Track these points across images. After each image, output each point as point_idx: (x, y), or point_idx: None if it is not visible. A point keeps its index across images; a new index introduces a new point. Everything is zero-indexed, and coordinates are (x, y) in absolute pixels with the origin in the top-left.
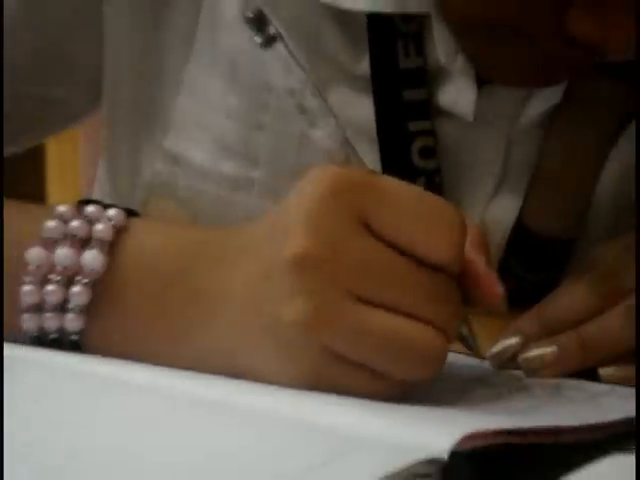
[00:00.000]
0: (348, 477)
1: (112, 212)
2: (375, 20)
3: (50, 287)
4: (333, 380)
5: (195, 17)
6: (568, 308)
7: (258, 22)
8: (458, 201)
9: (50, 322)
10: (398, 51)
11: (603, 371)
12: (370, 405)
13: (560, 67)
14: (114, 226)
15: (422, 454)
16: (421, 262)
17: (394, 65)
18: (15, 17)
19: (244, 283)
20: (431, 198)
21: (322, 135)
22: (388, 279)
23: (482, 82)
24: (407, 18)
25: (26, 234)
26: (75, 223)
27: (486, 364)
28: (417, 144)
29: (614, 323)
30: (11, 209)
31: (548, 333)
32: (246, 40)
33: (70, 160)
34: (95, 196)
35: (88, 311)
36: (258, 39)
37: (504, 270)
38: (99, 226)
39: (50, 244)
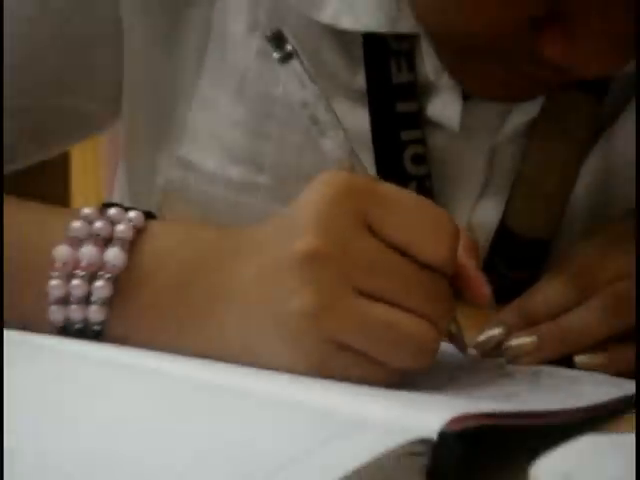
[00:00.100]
0: (347, 456)
1: (132, 214)
2: (370, 39)
3: (75, 282)
4: (336, 367)
5: (206, 36)
6: (547, 301)
7: (277, 40)
8: (446, 204)
9: (75, 313)
10: (391, 67)
11: (578, 359)
12: (367, 390)
13: (535, 84)
14: (134, 226)
15: (414, 435)
16: (418, 262)
17: (387, 80)
18: (41, 34)
19: (255, 277)
20: (429, 205)
21: (332, 144)
22: (389, 276)
23: (467, 96)
24: (399, 37)
25: (54, 233)
26: (99, 224)
27: (472, 352)
28: (409, 152)
29: (589, 315)
30: (40, 211)
31: (528, 324)
32: (253, 57)
33: (92, 166)
34: (115, 199)
35: (110, 304)
36: (276, 55)
37: (488, 268)
38: (120, 226)
39: (76, 242)
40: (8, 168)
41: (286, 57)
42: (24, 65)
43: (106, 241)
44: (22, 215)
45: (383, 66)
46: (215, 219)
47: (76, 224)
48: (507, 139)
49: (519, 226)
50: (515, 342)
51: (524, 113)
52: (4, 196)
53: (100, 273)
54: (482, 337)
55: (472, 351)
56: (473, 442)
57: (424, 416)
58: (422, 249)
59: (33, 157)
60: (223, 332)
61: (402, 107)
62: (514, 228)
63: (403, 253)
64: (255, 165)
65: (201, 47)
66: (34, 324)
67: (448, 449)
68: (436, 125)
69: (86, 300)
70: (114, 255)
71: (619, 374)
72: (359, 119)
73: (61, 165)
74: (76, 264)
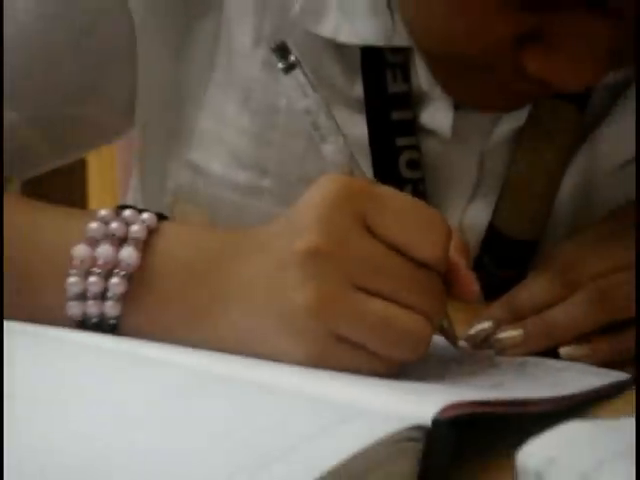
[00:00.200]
0: (346, 442)
1: (145, 215)
2: (367, 52)
3: (92, 278)
4: (336, 359)
5: (214, 48)
6: (533, 297)
7: (281, 51)
8: (439, 206)
9: (92, 308)
10: (387, 78)
11: (563, 350)
12: (365, 380)
13: (520, 96)
14: (147, 227)
15: (410, 422)
16: (413, 260)
17: (384, 90)
18: (62, 46)
19: (260, 274)
20: (423, 207)
21: (332, 149)
22: (385, 273)
23: (459, 105)
24: (394, 50)
25: (72, 234)
26: (114, 224)
27: (463, 344)
28: (404, 157)
29: (573, 309)
30: (59, 213)
31: (516, 318)
32: (258, 68)
33: (108, 170)
34: (129, 201)
35: (124, 299)
36: (281, 65)
37: (478, 266)
38: (134, 227)
39: (93, 242)
40: (29, 173)
41: (290, 67)
42: (44, 78)
43: (121, 241)
44: (43, 217)
45: (379, 77)
46: (222, 220)
47: (93, 225)
48: (496, 145)
49: (507, 227)
50: (503, 335)
51: (512, 121)
52: (26, 199)
53: (115, 271)
54: (473, 331)
55: (463, 343)
56: (464, 428)
57: (419, 404)
58: (417, 248)
59: (53, 163)
60: (230, 325)
61: (397, 115)
62: (502, 229)
63: (399, 252)
64: (260, 170)
65: (209, 59)
66: (54, 319)
67: (441, 435)
68: (429, 132)
69: (102, 296)
70: (128, 254)
71: (601, 364)
72: (357, 126)
73: (79, 169)
74: (93, 262)
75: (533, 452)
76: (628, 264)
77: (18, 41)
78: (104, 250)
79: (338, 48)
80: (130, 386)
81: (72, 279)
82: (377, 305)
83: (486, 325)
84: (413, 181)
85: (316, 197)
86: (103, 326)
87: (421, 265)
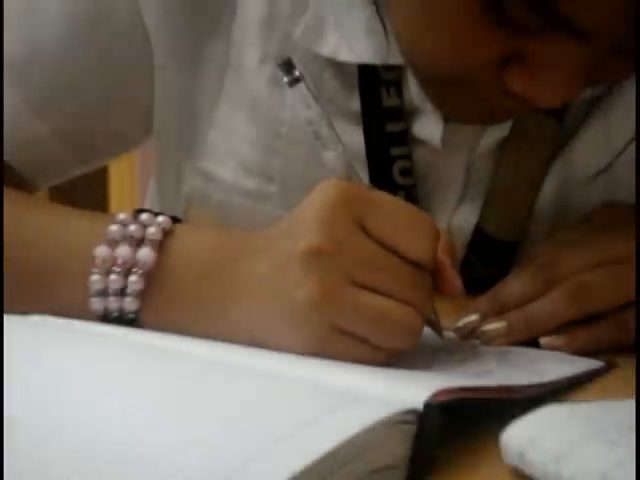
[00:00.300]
0: (346, 424)
1: (161, 218)
2: (364, 69)
3: (113, 276)
4: (335, 348)
5: (224, 65)
6: (515, 292)
7: (287, 66)
8: (429, 210)
9: (113, 304)
10: (382, 93)
11: (543, 340)
12: (362, 369)
13: (503, 111)
14: (163, 229)
15: (404, 406)
16: (405, 259)
17: (379, 104)
18: (86, 65)
19: (266, 271)
20: (414, 210)
21: (332, 157)
22: (380, 270)
23: (448, 118)
24: (388, 68)
25: (94, 236)
26: (132, 227)
27: (450, 335)
28: (398, 165)
29: (552, 303)
30: (82, 216)
31: (500, 311)
32: (264, 84)
33: (128, 177)
34: (147, 205)
35: (142, 295)
36: (286, 79)
37: (466, 265)
38: (151, 229)
39: (113, 243)
40: (55, 180)
41: (294, 81)
42: (70, 93)
43: (139, 242)
44: (67, 220)
45: (375, 92)
46: (232, 223)
47: (113, 227)
48: (482, 154)
49: (492, 229)
50: (488, 327)
51: (496, 132)
52: (52, 203)
53: (134, 269)
54: (460, 323)
55: (449, 334)
56: (453, 412)
57: (412, 390)
58: (408, 247)
59: (77, 171)
60: (238, 318)
61: (391, 127)
62: (488, 231)
63: (392, 251)
64: (266, 176)
65: (220, 75)
66: (78, 313)
67: (432, 418)
68: (421, 142)
69: (122, 292)
70: (146, 254)
71: (578, 353)
72: (355, 137)
73: (101, 176)
74: (113, 262)
75: (516, 433)
76: (602, 261)
77: (47, 59)
78: (123, 250)
79: (337, 66)
80: (145, 374)
81: (94, 277)
82: (373, 299)
83: (473, 318)
84: (406, 187)
85: (317, 201)
86: (123, 320)
87: (412, 263)
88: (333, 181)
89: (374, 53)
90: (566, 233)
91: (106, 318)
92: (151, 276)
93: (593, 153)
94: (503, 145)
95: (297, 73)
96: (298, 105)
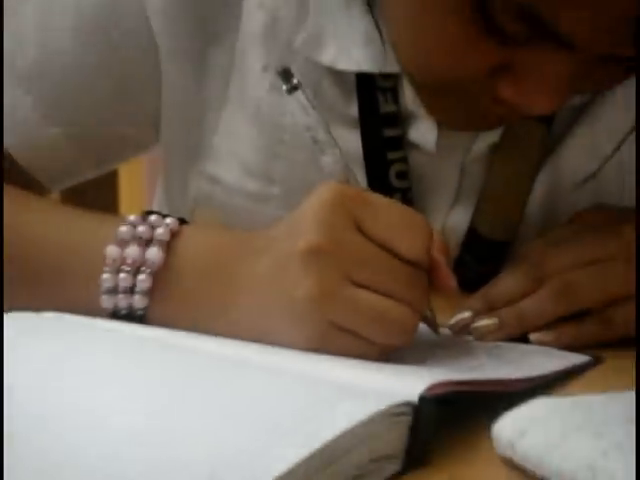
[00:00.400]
0: (346, 415)
1: (169, 220)
2: (362, 77)
3: (122, 275)
4: (334, 344)
5: (228, 73)
6: (506, 290)
7: (285, 75)
8: (424, 212)
9: (122, 301)
10: (379, 100)
11: (533, 336)
12: (361, 364)
13: (493, 118)
14: (170, 230)
15: (400, 398)
16: (401, 258)
17: (376, 110)
18: (97, 73)
19: (267, 270)
20: (409, 212)
21: (330, 161)
22: (376, 269)
23: (441, 123)
24: (385, 76)
25: (105, 236)
26: (141, 228)
27: (445, 331)
28: (394, 169)
29: (541, 300)
30: (93, 218)
31: (492, 309)
32: (266, 91)
33: (137, 180)
34: (155, 207)
35: (150, 293)
36: (285, 87)
37: (460, 264)
38: (159, 230)
39: (123, 243)
40: (67, 183)
41: (292, 89)
42: (81, 100)
43: (147, 242)
44: (79, 221)
45: (372, 99)
46: (235, 223)
47: (123, 228)
48: (474, 158)
49: (484, 230)
50: (481, 323)
51: (488, 137)
52: (64, 206)
53: (142, 268)
54: (454, 320)
55: (444, 330)
56: (447, 404)
57: (408, 384)
58: (404, 247)
59: (88, 174)
60: (241, 315)
61: (388, 132)
62: (480, 231)
63: (388, 251)
64: (268, 179)
65: (224, 83)
66: (89, 310)
67: (427, 410)
68: (416, 147)
69: (131, 290)
70: (154, 254)
71: (566, 348)
72: (353, 142)
73: (111, 179)
74: (123, 261)
75: (507, 425)
76: (589, 260)
77: (57, 66)
78: (132, 250)
79: (336, 74)
80: (151, 369)
81: (105, 275)
82: (369, 297)
83: (466, 315)
84: (402, 190)
85: (315, 203)
86: (132, 317)
87: (407, 262)
88: (331, 183)
89: (372, 61)
90: (555, 233)
91: (116, 315)
92: (159, 275)
93: (580, 159)
94: (494, 150)
95: (295, 81)
96: (297, 111)
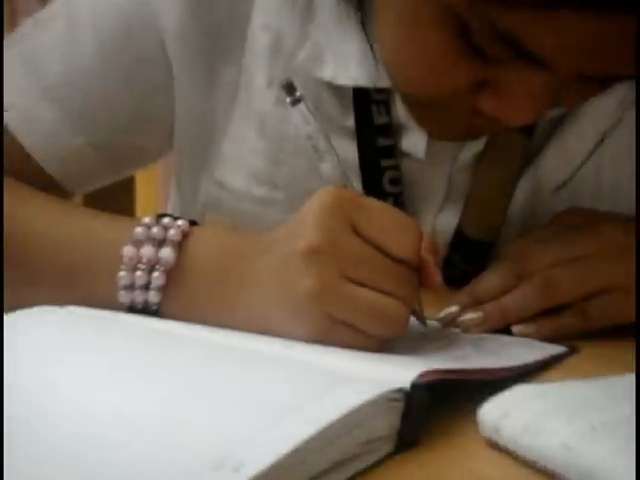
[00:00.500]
0: (343, 401)
1: (180, 222)
2: (358, 91)
3: (138, 273)
4: (332, 336)
5: (235, 89)
6: (490, 286)
7: (289, 88)
8: (415, 215)
9: (138, 297)
10: (373, 112)
11: (515, 328)
12: (356, 354)
13: (476, 129)
14: (182, 231)
15: (393, 385)
16: (392, 257)
17: (370, 121)
18: (116, 87)
19: (271, 269)
20: (400, 214)
21: (328, 168)
22: (370, 267)
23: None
24: (379, 90)
25: (122, 237)
26: (155, 229)
27: (433, 324)
28: (387, 175)
29: (523, 295)
30: (111, 220)
31: (477, 303)
32: (271, 104)
33: (152, 184)
34: (168, 210)
35: (164, 290)
36: (288, 99)
37: (448, 262)
38: (172, 231)
39: (138, 243)
40: (89, 188)
41: (295, 101)
42: (103, 111)
43: (161, 242)
44: (98, 223)
45: (367, 111)
46: (242, 225)
47: (138, 230)
48: (461, 166)
49: (471, 231)
50: (467, 317)
51: (474, 147)
52: (84, 208)
53: (156, 267)
54: (442, 313)
55: (432, 323)
56: (436, 391)
57: (400, 372)
58: (395, 247)
59: (108, 180)
60: (247, 310)
61: (382, 142)
62: (467, 233)
63: (381, 250)
64: (272, 185)
65: (232, 95)
66: (108, 304)
67: (418, 396)
68: (407, 155)
69: (146, 287)
70: (167, 253)
71: (546, 339)
72: (350, 150)
73: (128, 184)
74: (139, 260)
75: (491, 410)
76: (568, 258)
77: (81, 80)
78: (147, 250)
79: (335, 88)
80: (165, 357)
81: (122, 273)
82: (364, 293)
83: (453, 309)
84: (394, 194)
85: (315, 206)
86: (147, 311)
87: (399, 261)
88: (329, 188)
89: (366, 77)
90: (536, 233)
91: (132, 309)
92: (171, 273)
93: (556, 168)
94: (479, 159)
95: (298, 94)
96: (300, 122)
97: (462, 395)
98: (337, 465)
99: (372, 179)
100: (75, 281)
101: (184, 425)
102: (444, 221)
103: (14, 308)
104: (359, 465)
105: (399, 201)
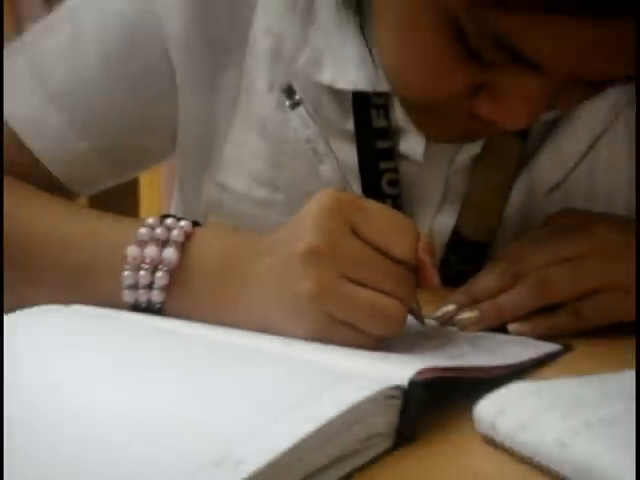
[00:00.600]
0: (342, 398)
1: (183, 223)
2: (357, 95)
3: (142, 272)
4: (332, 335)
5: (237, 93)
6: (486, 286)
7: (289, 91)
8: (413, 216)
9: (142, 296)
10: (372, 115)
11: (511, 327)
12: (355, 352)
13: (473, 133)
14: (185, 232)
15: (391, 383)
16: (390, 258)
17: (369, 124)
18: (120, 92)
19: (272, 269)
20: (398, 215)
21: (328, 170)
22: (369, 268)
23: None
24: (378, 94)
25: (126, 237)
26: (159, 230)
27: (430, 322)
28: (386, 177)
29: (518, 294)
30: (116, 221)
31: (473, 302)
32: (271, 108)
33: (156, 186)
34: (171, 211)
35: (167, 289)
36: (288, 102)
37: (445, 263)
38: (175, 232)
39: (142, 244)
40: (93, 190)
41: (295, 104)
42: (107, 116)
43: (164, 243)
44: (103, 224)
45: (366, 114)
46: (243, 227)
47: (142, 230)
48: (458, 169)
49: (468, 232)
50: (463, 316)
51: (470, 149)
52: (90, 209)
53: (160, 267)
54: (439, 312)
55: (430, 322)
56: (433, 387)
57: (398, 369)
58: (393, 248)
59: (113, 182)
60: (248, 310)
61: (380, 144)
62: (464, 234)
63: (380, 251)
64: (273, 187)
65: (234, 99)
66: (113, 303)
67: (416, 394)
68: (405, 158)
69: (150, 286)
70: (170, 254)
71: (541, 337)
72: (349, 153)
73: (132, 186)
74: (142, 260)
75: (487, 406)
76: (562, 258)
77: (87, 87)
78: (151, 250)
79: (335, 92)
80: (166, 355)
81: (126, 273)
82: (363, 293)
83: (450, 308)
84: (393, 196)
85: (314, 208)
86: (151, 310)
87: (397, 262)
88: (329, 191)
89: (366, 81)
90: (531, 234)
91: (136, 308)
92: (174, 273)
93: (550, 170)
94: (476, 161)
95: (297, 97)
96: (299, 125)
97: (459, 392)
98: (336, 461)
99: (371, 181)
100: (78, 281)
101: (185, 424)
102: (441, 222)
103: (14, 308)
104: (358, 461)
105: (397, 203)
